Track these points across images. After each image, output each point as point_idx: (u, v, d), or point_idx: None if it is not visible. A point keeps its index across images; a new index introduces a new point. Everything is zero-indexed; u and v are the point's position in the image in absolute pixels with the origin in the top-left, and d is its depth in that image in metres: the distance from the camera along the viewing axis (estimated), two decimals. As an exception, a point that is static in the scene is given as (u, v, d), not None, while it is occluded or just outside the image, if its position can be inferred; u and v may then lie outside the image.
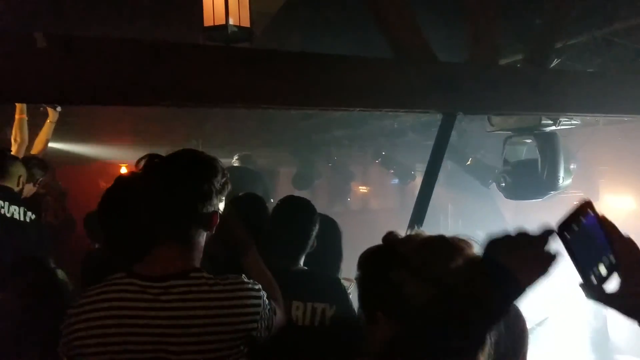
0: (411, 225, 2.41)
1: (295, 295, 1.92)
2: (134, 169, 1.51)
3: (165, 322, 1.38)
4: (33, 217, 3.49)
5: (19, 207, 3.37)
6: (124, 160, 8.62)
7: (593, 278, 0.90)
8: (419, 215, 2.50)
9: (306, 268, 2.09)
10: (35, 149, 4.25)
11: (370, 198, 11.30)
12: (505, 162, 3.62)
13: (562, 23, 2.74)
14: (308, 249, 2.11)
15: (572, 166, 5.70)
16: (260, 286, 1.53)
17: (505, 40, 2.71)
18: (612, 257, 0.92)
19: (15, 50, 1.74)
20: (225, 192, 1.55)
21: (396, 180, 10.91)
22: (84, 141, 7.58)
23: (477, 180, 5.37)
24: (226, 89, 2.07)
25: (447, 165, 10.69)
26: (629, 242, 0.94)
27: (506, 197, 3.72)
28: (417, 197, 2.52)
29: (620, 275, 0.92)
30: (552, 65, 3.09)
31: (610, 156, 6.75)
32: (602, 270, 0.91)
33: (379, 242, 1.20)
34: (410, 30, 2.36)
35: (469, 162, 5.48)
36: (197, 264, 1.50)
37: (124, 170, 9.01)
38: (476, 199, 8.61)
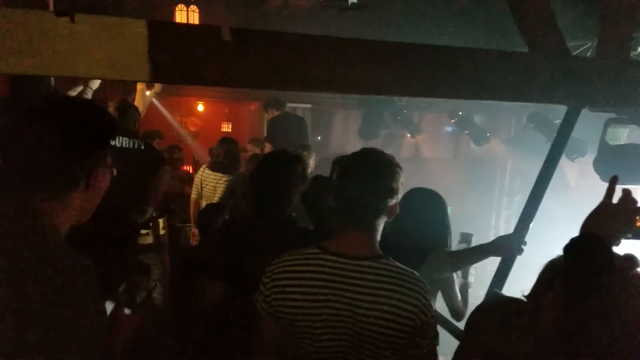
0: (523, 221, 2.56)
1: None
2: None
3: (358, 296, 1.59)
4: (142, 145, 4.14)
5: (129, 138, 4.03)
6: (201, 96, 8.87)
7: None
8: (532, 207, 2.61)
9: None
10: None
11: (422, 146, 11.23)
12: (605, 143, 3.64)
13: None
14: None
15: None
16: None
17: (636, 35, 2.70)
18: None
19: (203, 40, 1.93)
20: None
21: (449, 128, 10.74)
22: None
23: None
24: (362, 79, 2.20)
25: (512, 121, 10.53)
26: None
27: (602, 180, 3.76)
28: (532, 192, 2.62)
29: None
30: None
31: None
32: None
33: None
34: (546, 25, 2.41)
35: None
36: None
37: (200, 107, 9.31)
38: (539, 159, 8.57)
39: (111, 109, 4.54)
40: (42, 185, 1.24)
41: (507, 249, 2.62)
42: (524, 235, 2.62)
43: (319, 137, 10.69)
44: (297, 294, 1.63)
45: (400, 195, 1.68)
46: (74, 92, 4.08)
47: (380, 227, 1.69)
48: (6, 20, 1.75)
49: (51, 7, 4.43)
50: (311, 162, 4.84)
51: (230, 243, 2.30)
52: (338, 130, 10.93)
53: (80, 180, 1.28)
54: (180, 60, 1.93)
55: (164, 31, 1.93)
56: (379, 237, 1.70)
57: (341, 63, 2.08)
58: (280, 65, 1.99)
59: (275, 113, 6.25)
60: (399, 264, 1.66)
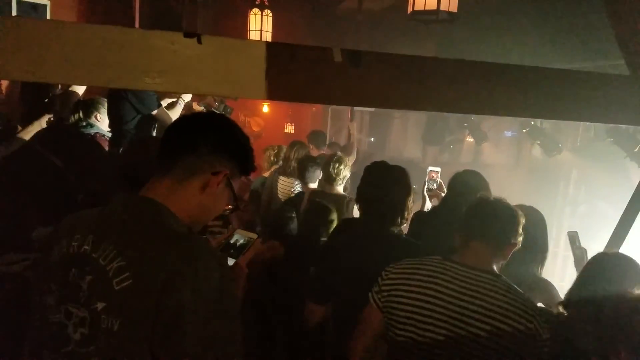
0: (614, 243, 2.54)
1: None
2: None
3: (472, 300, 1.69)
4: None
5: None
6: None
7: None
8: (620, 235, 2.57)
9: None
10: None
11: (483, 151, 11.04)
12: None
13: None
14: None
15: None
16: None
17: None
18: None
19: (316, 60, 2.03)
20: None
21: (509, 133, 10.46)
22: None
23: (641, 168, 5.19)
24: (466, 98, 2.25)
25: (579, 130, 10.22)
26: None
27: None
28: (621, 220, 2.58)
29: None
30: None
31: None
32: None
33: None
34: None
35: (637, 149, 5.26)
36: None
37: (265, 108, 9.54)
38: (607, 171, 8.25)
39: None
40: (165, 164, 1.28)
41: None
42: None
43: (372, 139, 10.70)
44: (414, 290, 1.77)
45: (519, 241, 1.81)
46: (164, 103, 3.98)
47: (499, 259, 1.81)
48: (140, 40, 1.90)
49: (137, 22, 4.64)
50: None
51: (337, 263, 2.23)
52: (396, 133, 10.93)
53: (198, 173, 1.28)
54: (295, 79, 2.04)
55: (279, 51, 2.03)
56: (498, 265, 1.81)
57: (446, 82, 2.14)
58: (389, 85, 2.07)
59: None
60: (517, 287, 1.74)
